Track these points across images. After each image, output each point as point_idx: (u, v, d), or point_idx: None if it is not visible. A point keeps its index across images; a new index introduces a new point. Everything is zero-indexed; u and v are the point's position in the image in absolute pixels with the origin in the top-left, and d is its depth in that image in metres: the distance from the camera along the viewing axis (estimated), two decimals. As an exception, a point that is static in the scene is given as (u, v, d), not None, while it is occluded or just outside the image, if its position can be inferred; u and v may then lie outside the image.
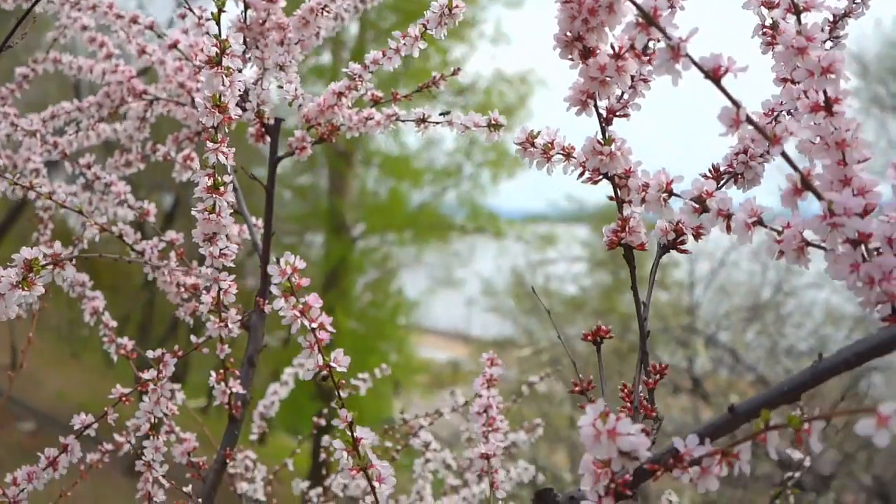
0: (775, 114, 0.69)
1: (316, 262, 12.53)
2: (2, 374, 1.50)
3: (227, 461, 0.99)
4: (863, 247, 0.52)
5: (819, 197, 0.51)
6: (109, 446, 1.13)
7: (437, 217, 12.93)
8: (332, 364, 0.63)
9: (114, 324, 1.10)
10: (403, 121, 0.97)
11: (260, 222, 1.12)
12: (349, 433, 0.65)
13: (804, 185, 0.51)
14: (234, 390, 0.97)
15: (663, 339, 6.70)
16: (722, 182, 0.69)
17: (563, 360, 7.92)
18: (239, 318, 0.91)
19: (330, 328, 0.63)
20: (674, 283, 8.75)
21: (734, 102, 0.51)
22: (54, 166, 1.63)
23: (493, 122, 0.87)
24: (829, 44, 0.73)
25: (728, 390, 6.64)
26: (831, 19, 0.73)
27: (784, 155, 0.52)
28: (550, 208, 10.67)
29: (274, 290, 0.61)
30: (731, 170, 0.69)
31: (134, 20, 1.10)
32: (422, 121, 0.96)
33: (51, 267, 0.67)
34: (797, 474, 1.10)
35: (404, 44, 0.90)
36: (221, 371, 0.96)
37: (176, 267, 1.01)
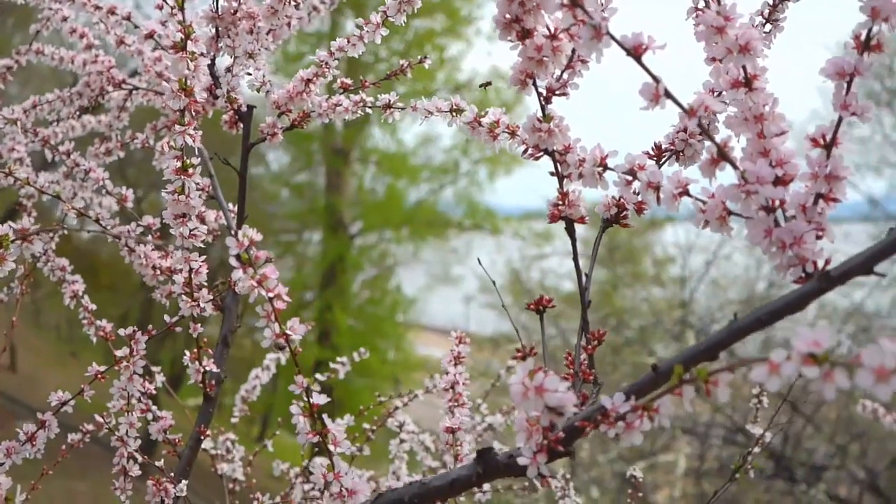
0: (715, 94, 0.72)
1: (314, 260, 12.61)
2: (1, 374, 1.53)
3: (202, 437, 1.03)
4: (780, 213, 0.56)
5: (734, 166, 0.55)
6: (90, 426, 1.16)
7: (435, 214, 12.99)
8: (289, 332, 0.67)
9: (93, 307, 1.13)
10: (371, 107, 1.01)
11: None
12: (306, 399, 0.69)
13: (721, 155, 0.55)
14: (207, 369, 1.00)
15: (657, 334, 6.74)
16: (664, 159, 0.73)
17: (557, 353, 7.96)
18: (210, 297, 0.94)
19: (286, 298, 0.66)
20: (670, 279, 8.79)
21: (654, 78, 0.54)
22: (52, 167, 1.66)
23: (454, 107, 0.90)
24: (768, 26, 0.76)
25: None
26: (771, 2, 0.76)
27: (701, 127, 0.55)
28: (546, 206, 10.70)
29: (232, 261, 0.64)
30: (672, 147, 0.72)
31: (111, 11, 1.13)
32: (387, 106, 0.99)
33: (19, 241, 0.70)
34: (756, 450, 1.14)
35: (367, 31, 0.93)
36: (195, 350, 1.00)
37: (151, 250, 1.05)
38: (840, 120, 0.55)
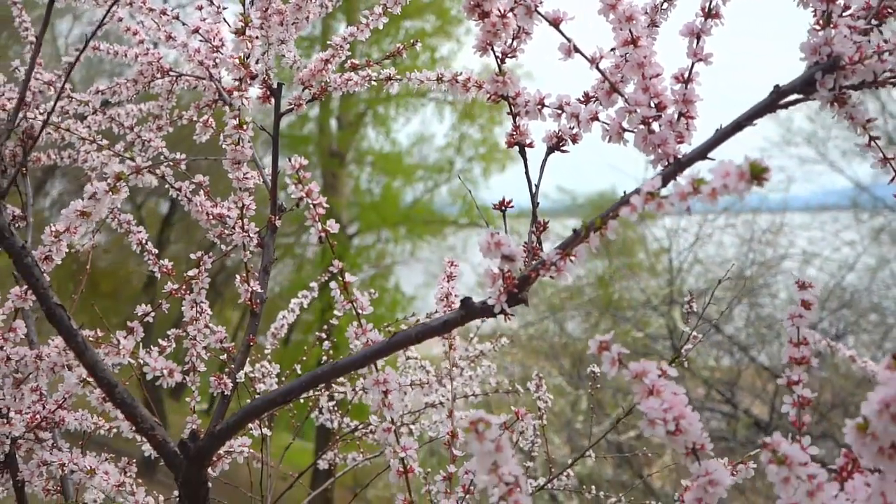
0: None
1: (313, 261, 12.85)
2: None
3: (251, 344, 1.30)
4: (656, 126, 0.84)
5: (621, 95, 0.83)
6: (157, 349, 1.43)
7: (431, 213, 13.24)
8: (329, 228, 0.95)
9: (156, 251, 1.41)
10: (375, 80, 1.28)
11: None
12: (341, 279, 0.97)
13: (612, 88, 0.83)
14: (254, 289, 1.28)
15: (647, 314, 7.05)
16: (592, 102, 1.00)
17: (557, 347, 8.25)
18: (257, 229, 1.22)
19: (325, 205, 0.94)
20: (664, 269, 9.11)
21: (567, 39, 0.82)
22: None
23: (439, 76, 1.18)
24: (665, 4, 1.04)
25: (709, 361, 7.00)
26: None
27: (599, 70, 0.83)
28: (543, 200, 11.01)
29: (287, 179, 0.92)
30: (596, 94, 1.00)
31: (163, 12, 1.41)
32: (389, 79, 1.27)
33: (134, 175, 0.98)
34: (690, 346, 1.42)
35: (372, 20, 1.21)
36: (244, 274, 1.28)
37: (203, 199, 1.32)
38: (692, 64, 0.83)
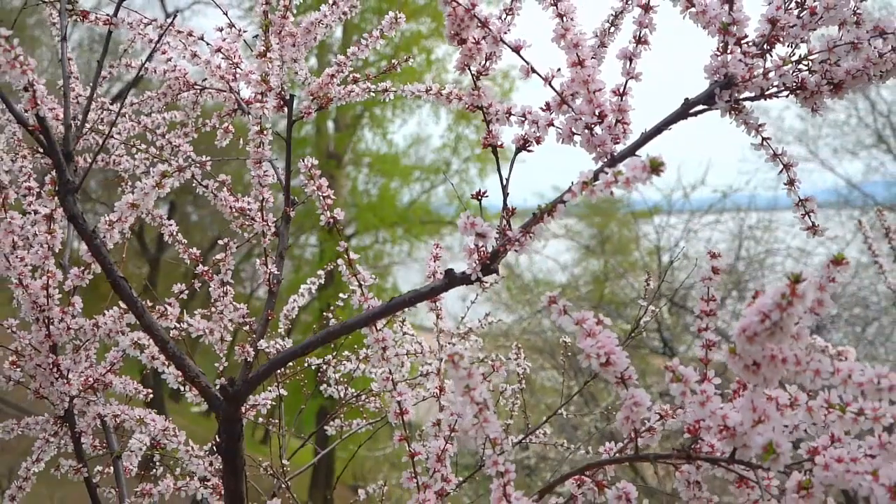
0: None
1: (311, 262, 13.04)
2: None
3: (269, 318, 1.52)
4: (598, 130, 1.05)
5: (570, 107, 1.04)
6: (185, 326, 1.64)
7: (428, 213, 13.43)
8: (335, 216, 1.16)
9: (185, 241, 1.62)
10: (374, 92, 1.50)
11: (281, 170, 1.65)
12: (346, 256, 1.18)
13: (562, 101, 1.04)
14: (272, 271, 1.50)
15: (636, 308, 7.29)
16: (551, 112, 1.22)
17: (554, 346, 8.46)
18: (274, 218, 1.43)
19: (332, 196, 1.16)
20: (658, 268, 9.35)
21: (526, 62, 1.03)
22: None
23: (427, 89, 1.39)
24: (612, 28, 1.25)
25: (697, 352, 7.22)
26: (614, 13, 1.25)
27: (552, 87, 1.04)
28: (539, 198, 11.30)
29: (302, 177, 1.14)
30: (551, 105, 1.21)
31: (190, 34, 1.62)
32: (385, 90, 1.48)
33: (177, 173, 1.19)
34: (646, 318, 1.63)
35: (370, 42, 1.43)
36: (263, 258, 1.49)
37: (227, 195, 1.54)
38: (626, 81, 1.05)
